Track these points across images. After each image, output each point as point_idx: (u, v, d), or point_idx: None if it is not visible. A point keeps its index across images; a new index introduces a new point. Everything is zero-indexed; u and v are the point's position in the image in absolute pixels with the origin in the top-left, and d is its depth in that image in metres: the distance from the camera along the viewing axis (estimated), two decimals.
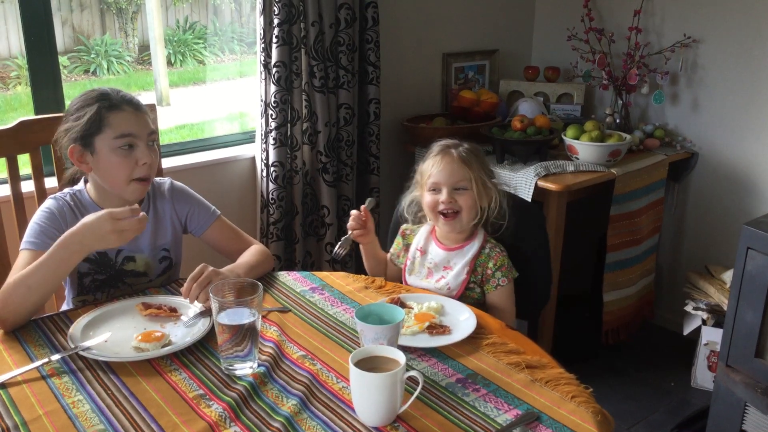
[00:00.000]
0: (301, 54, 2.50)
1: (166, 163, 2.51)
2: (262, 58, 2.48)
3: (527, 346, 1.42)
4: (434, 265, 1.77)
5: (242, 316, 1.28)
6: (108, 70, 6.23)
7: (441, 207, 1.70)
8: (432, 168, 1.73)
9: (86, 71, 6.14)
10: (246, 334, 1.28)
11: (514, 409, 1.21)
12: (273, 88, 2.49)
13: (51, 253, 1.42)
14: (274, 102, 2.49)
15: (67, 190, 1.67)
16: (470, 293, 1.74)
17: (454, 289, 1.73)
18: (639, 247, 2.81)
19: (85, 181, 1.66)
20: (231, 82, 4.89)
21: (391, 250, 1.89)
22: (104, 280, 1.66)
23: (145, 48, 6.21)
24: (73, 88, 6.31)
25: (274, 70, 2.47)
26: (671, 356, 2.98)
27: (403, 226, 1.88)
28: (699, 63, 2.88)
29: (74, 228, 1.42)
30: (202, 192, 2.56)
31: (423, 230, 1.82)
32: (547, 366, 1.34)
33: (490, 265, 1.73)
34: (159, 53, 6.10)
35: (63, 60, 5.88)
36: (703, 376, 2.74)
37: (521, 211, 1.81)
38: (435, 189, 1.73)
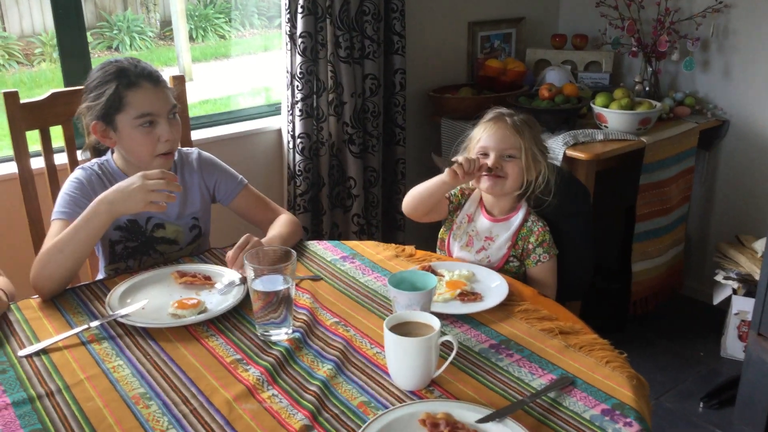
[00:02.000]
0: (326, 24, 2.48)
1: (194, 135, 2.52)
2: (288, 29, 2.47)
3: (560, 313, 1.42)
4: (476, 233, 1.75)
5: (276, 283, 1.30)
6: (130, 45, 6.24)
7: (482, 164, 1.66)
8: (482, 132, 1.70)
9: (109, 47, 6.17)
10: (281, 300, 1.29)
11: (549, 374, 1.21)
12: (298, 59, 2.48)
13: (82, 218, 1.45)
14: (300, 73, 2.49)
15: (94, 160, 1.69)
16: (508, 267, 1.73)
17: (494, 263, 1.72)
18: (668, 217, 2.79)
19: (112, 151, 1.68)
20: (253, 56, 4.88)
21: (453, 191, 1.82)
22: (135, 247, 1.68)
23: (166, 23, 6.21)
24: (97, 63, 6.35)
25: (300, 40, 2.46)
26: (700, 326, 2.96)
27: (462, 185, 1.82)
28: (731, 28, 2.82)
29: (105, 192, 1.46)
30: (229, 164, 2.59)
31: (473, 197, 1.81)
32: (580, 332, 1.34)
33: (532, 239, 1.72)
34: (181, 28, 6.10)
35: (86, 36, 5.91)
36: (733, 346, 2.72)
37: (567, 190, 1.76)
38: (483, 153, 1.70)
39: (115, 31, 6.11)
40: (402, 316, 1.21)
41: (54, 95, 1.85)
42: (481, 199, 1.79)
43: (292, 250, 1.34)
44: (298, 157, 2.59)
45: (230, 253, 1.50)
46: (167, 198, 1.46)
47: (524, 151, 1.68)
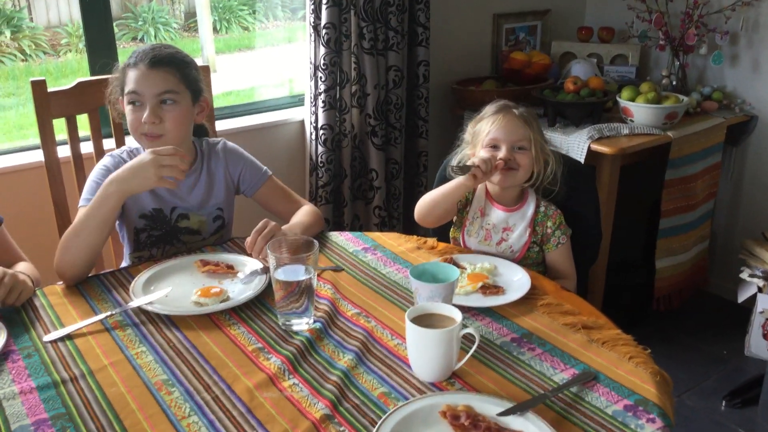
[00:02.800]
0: (350, 15, 2.47)
1: (217, 126, 2.54)
2: (312, 20, 2.46)
3: (583, 307, 1.40)
4: (492, 226, 1.74)
5: (298, 273, 1.30)
6: (155, 37, 6.29)
7: (499, 161, 1.65)
8: (491, 125, 1.69)
9: (134, 38, 6.22)
10: (303, 291, 1.29)
11: (571, 369, 1.20)
12: (322, 50, 2.48)
13: (94, 201, 1.48)
14: (323, 64, 2.49)
15: (124, 147, 1.70)
16: (529, 253, 1.73)
17: (517, 251, 1.71)
18: (694, 213, 2.75)
19: None
20: (277, 48, 4.89)
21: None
22: (160, 236, 1.69)
23: (191, 15, 6.24)
24: (122, 55, 6.42)
25: (324, 31, 2.45)
26: (724, 324, 2.92)
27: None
28: (761, 22, 2.77)
29: (115, 172, 1.48)
30: (252, 155, 2.60)
31: (479, 191, 1.80)
32: (603, 327, 1.33)
33: (549, 224, 1.72)
34: (205, 20, 6.13)
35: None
36: (757, 344, 2.68)
37: (571, 170, 1.77)
38: (494, 146, 1.69)
39: (140, 22, 6.16)
40: (423, 308, 1.20)
41: (81, 84, 1.87)
42: (487, 191, 1.78)
43: (315, 240, 1.34)
44: (320, 149, 2.59)
45: (249, 239, 1.51)
46: (180, 174, 1.47)
47: (533, 142, 1.68)
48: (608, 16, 3.24)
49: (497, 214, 1.74)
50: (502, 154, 1.66)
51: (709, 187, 2.82)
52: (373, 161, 2.66)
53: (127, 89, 1.58)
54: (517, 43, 3.18)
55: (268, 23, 5.38)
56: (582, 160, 2.43)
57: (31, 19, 4.60)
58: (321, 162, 2.60)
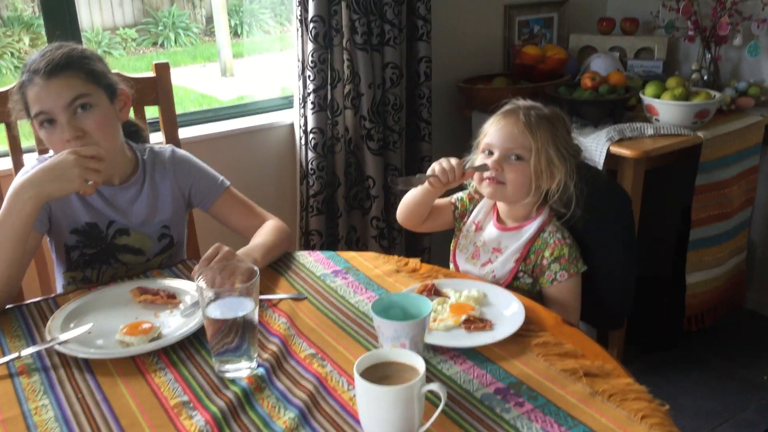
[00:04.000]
0: (341, 7, 2.26)
1: (198, 130, 2.34)
2: (298, 12, 2.25)
3: (588, 348, 1.15)
4: (483, 244, 1.51)
5: (240, 307, 1.07)
6: (175, 41, 6.18)
7: (486, 173, 1.44)
8: (491, 127, 1.47)
9: (154, 44, 6.12)
10: (238, 329, 1.07)
11: None
12: (310, 46, 2.26)
13: (5, 209, 1.28)
14: (312, 61, 2.27)
15: (52, 152, 1.50)
16: (519, 284, 1.48)
17: (500, 278, 1.47)
18: (728, 222, 2.51)
19: None
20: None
21: (459, 195, 1.61)
22: (94, 254, 1.48)
23: (212, 19, 6.12)
24: (140, 61, 6.31)
25: (311, 25, 2.24)
26: (765, 345, 2.66)
27: (472, 188, 1.60)
28: None
29: (26, 176, 1.29)
30: (237, 161, 2.39)
31: (483, 202, 1.56)
32: (611, 374, 1.07)
33: (546, 253, 1.46)
34: (222, 23, 6.00)
35: (131, 32, 5.87)
36: None
37: (604, 196, 1.50)
38: (488, 151, 1.47)
39: (160, 27, 6.05)
40: (378, 356, 0.96)
41: None
42: (494, 205, 1.53)
43: (255, 268, 1.11)
44: (310, 154, 2.37)
45: (196, 267, 1.29)
46: (99, 178, 1.29)
47: (535, 153, 1.42)
48: (632, 5, 3.00)
49: (491, 231, 1.50)
50: (489, 162, 1.43)
51: (746, 193, 2.59)
52: (370, 167, 2.44)
53: (33, 111, 1.36)
54: (532, 36, 2.93)
55: (290, 26, 5.23)
56: (600, 165, 2.19)
57: None
58: (312, 169, 2.38)
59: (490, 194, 1.46)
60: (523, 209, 1.49)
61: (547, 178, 1.44)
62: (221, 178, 1.58)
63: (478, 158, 1.50)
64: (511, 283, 1.47)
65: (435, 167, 1.43)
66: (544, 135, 1.44)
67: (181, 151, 1.58)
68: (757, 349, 2.64)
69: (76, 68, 1.36)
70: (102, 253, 1.48)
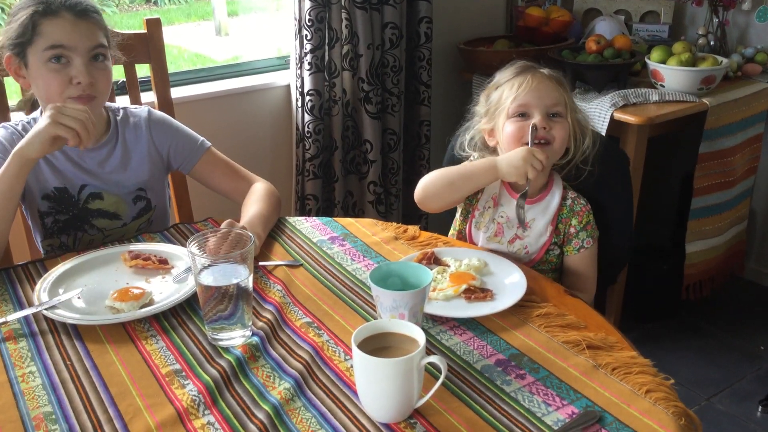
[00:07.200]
0: None
1: (191, 90, 2.28)
2: None
3: (591, 319, 1.12)
4: (506, 220, 1.43)
5: (234, 274, 1.04)
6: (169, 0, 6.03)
7: (539, 132, 1.35)
8: (518, 89, 1.37)
9: (147, 1, 5.97)
10: (232, 296, 1.03)
11: (569, 406, 0.92)
12: (307, 4, 2.19)
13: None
14: (309, 20, 2.20)
15: (19, 118, 1.45)
16: (549, 256, 1.43)
17: (533, 253, 1.42)
18: (731, 191, 2.47)
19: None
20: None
21: None
22: (67, 220, 1.44)
23: None
24: (134, 18, 6.17)
25: None
26: (762, 315, 2.64)
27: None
28: None
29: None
30: (231, 123, 2.34)
31: None
32: (615, 346, 1.05)
33: (574, 222, 1.41)
34: None
35: None
36: None
37: (604, 155, 1.45)
38: (523, 114, 1.37)
39: None
40: (376, 327, 0.93)
41: None
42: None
43: (251, 235, 1.07)
44: (307, 117, 2.31)
45: (211, 245, 1.23)
46: (74, 140, 1.24)
47: (568, 108, 1.38)
48: None
49: (512, 205, 1.42)
50: (536, 121, 1.35)
51: (749, 162, 2.54)
52: (368, 131, 2.39)
53: (47, 43, 1.31)
54: None
55: None
56: (604, 131, 2.14)
57: None
58: (308, 132, 2.33)
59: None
60: (543, 177, 1.42)
61: (578, 132, 1.40)
62: (201, 138, 1.53)
63: (507, 124, 1.39)
64: (543, 257, 1.43)
65: (536, 167, 1.31)
66: (568, 90, 1.41)
67: (158, 112, 1.53)
68: (755, 319, 2.63)
69: (99, 19, 1.37)
70: (75, 218, 1.44)
